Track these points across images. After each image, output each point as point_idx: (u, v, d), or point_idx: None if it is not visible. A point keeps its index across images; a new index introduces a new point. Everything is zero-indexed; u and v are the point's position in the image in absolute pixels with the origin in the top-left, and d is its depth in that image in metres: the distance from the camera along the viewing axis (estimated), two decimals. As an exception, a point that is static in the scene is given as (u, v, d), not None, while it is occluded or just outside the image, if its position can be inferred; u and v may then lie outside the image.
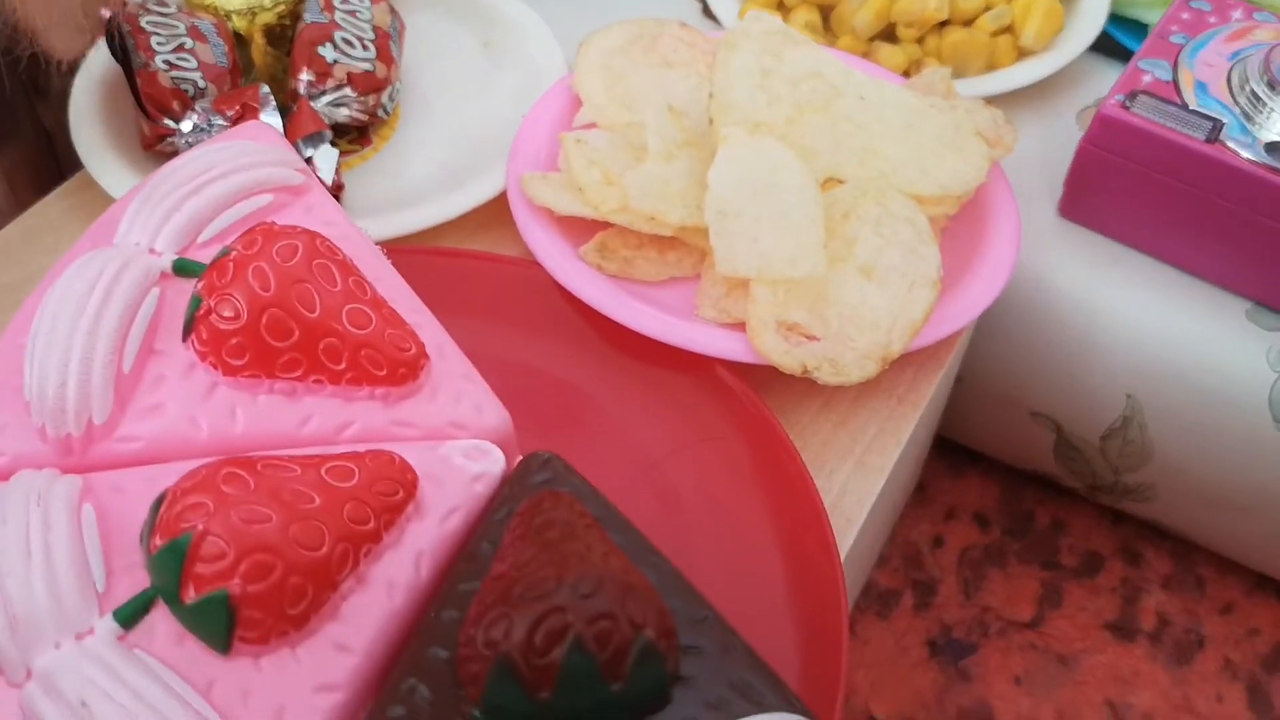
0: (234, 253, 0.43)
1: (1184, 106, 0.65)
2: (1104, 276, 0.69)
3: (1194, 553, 0.78)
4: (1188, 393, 0.67)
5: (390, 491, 0.40)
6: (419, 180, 0.67)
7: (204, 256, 0.46)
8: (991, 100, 0.76)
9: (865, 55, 0.77)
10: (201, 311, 0.43)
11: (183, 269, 0.46)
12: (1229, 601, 0.76)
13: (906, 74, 0.77)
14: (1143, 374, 0.68)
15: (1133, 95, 0.65)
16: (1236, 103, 0.65)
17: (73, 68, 0.72)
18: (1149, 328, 0.67)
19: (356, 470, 0.39)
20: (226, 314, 0.43)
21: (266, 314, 0.42)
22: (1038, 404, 0.73)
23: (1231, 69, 0.66)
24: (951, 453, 0.82)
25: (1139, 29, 0.83)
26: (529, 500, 0.40)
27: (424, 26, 0.76)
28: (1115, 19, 0.83)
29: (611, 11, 0.84)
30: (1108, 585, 0.77)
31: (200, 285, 0.44)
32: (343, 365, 0.44)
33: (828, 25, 0.80)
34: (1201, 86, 0.66)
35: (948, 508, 0.80)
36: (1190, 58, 0.67)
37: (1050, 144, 0.76)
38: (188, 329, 0.44)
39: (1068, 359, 0.70)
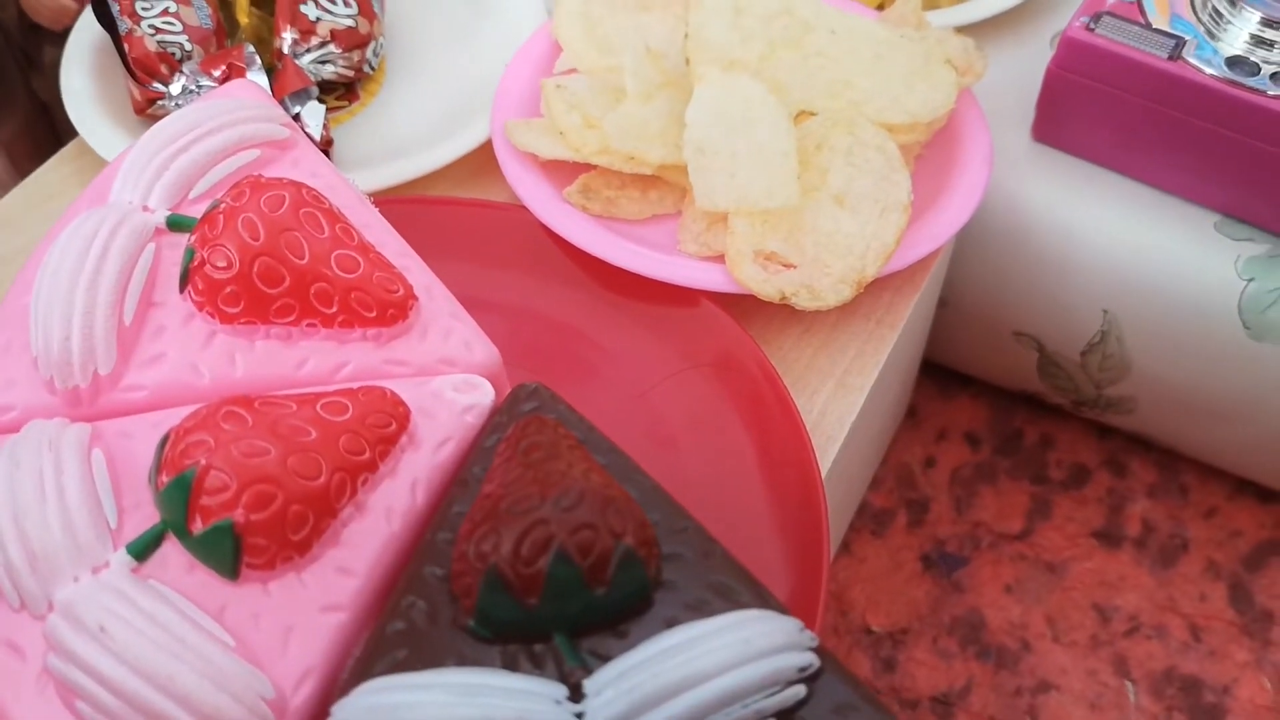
0: (223, 205, 0.46)
1: (1147, 26, 0.66)
2: (1077, 196, 0.70)
3: (1177, 462, 0.80)
4: (1162, 305, 0.69)
5: (383, 424, 0.42)
6: (407, 132, 0.69)
7: (196, 211, 0.48)
8: (966, 29, 0.77)
9: (839, -11, 0.78)
10: (196, 263, 0.45)
11: (176, 224, 0.48)
12: (1212, 506, 0.78)
13: (880, 6, 0.78)
14: (1118, 289, 0.70)
15: (1097, 17, 0.67)
16: (1199, 20, 0.66)
17: (63, 38, 0.74)
18: (1122, 244, 0.69)
19: (350, 405, 0.42)
20: (220, 264, 0.45)
21: (258, 262, 0.44)
22: (1019, 324, 0.75)
23: (1194, -13, 0.68)
24: (942, 376, 0.84)
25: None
26: (516, 425, 0.43)
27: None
28: (1087, -58, 0.84)
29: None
30: (1094, 496, 0.79)
31: (193, 238, 0.46)
32: (334, 309, 0.46)
33: (802, -39, 0.81)
34: (1164, 4, 0.67)
35: (939, 429, 0.82)
36: (1155, -23, 0.69)
37: (1024, 69, 0.77)
38: (184, 280, 0.46)
39: (1045, 279, 0.72)
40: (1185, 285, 0.68)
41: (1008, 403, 0.83)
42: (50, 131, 0.85)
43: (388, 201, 0.61)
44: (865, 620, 0.73)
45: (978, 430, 0.82)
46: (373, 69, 0.70)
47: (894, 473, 0.80)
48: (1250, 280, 0.67)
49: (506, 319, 0.58)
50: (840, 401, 0.58)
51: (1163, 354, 0.71)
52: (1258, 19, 0.64)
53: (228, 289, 0.45)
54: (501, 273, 0.60)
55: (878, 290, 0.61)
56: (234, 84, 0.56)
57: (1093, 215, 0.70)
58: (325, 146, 0.64)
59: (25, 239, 0.64)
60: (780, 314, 0.59)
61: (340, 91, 0.70)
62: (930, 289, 0.66)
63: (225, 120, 0.50)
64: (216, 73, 0.63)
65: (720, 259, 0.59)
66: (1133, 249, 0.69)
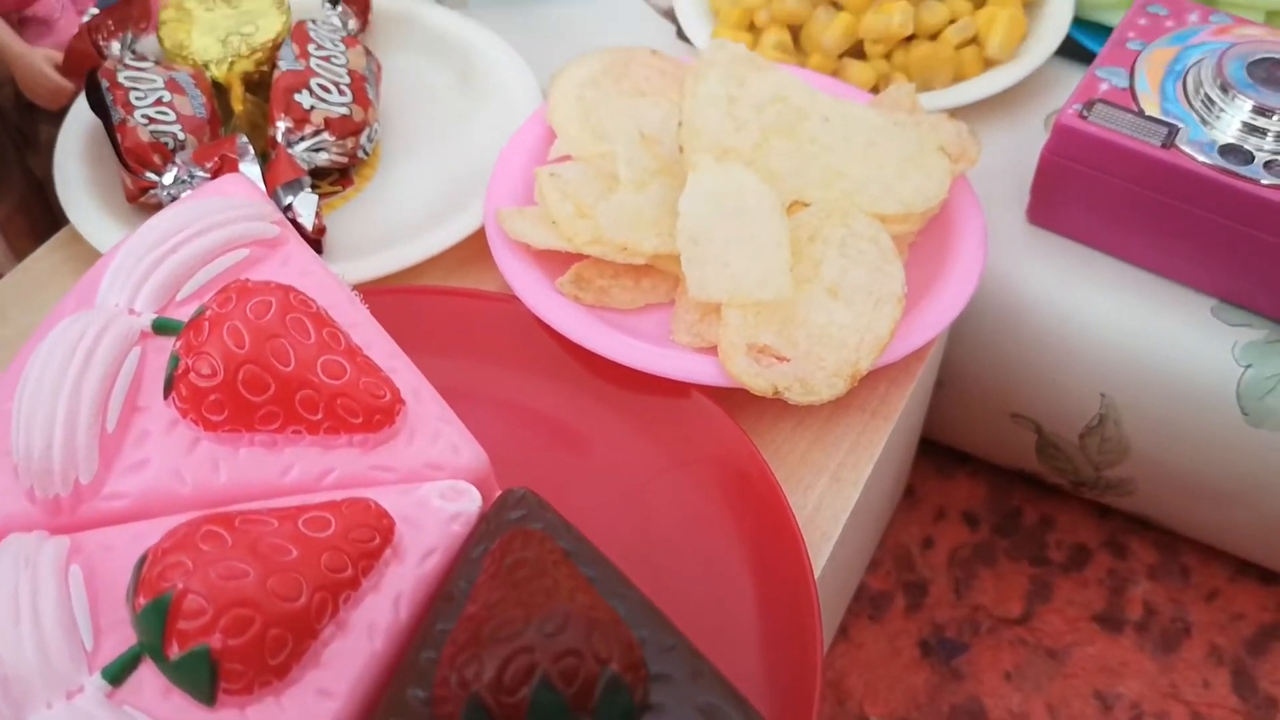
0: (209, 311, 0.45)
1: (1140, 113, 0.66)
2: (1073, 280, 0.70)
3: (1178, 542, 0.79)
4: (1159, 390, 0.68)
5: (367, 538, 0.41)
6: (400, 218, 0.69)
7: (182, 314, 0.48)
8: (960, 110, 0.78)
9: (835, 72, 0.79)
10: (180, 370, 0.45)
11: (162, 327, 0.48)
12: (1213, 589, 0.77)
13: (875, 89, 0.79)
14: (1115, 373, 0.69)
15: (1090, 104, 0.67)
16: (1192, 106, 0.66)
17: (60, 116, 0.74)
18: (1119, 328, 0.69)
19: (333, 520, 0.41)
20: (204, 372, 0.44)
21: (242, 370, 0.44)
22: (1017, 406, 0.75)
23: (1186, 73, 0.68)
24: (939, 454, 0.83)
25: (1103, 32, 0.84)
26: (501, 540, 0.42)
27: (401, 64, 0.78)
28: (1080, 22, 0.84)
29: (587, 38, 0.87)
30: (1095, 578, 0.78)
31: (178, 344, 0.45)
32: (320, 415, 0.45)
33: (798, 44, 0.81)
34: (1158, 92, 0.67)
35: (937, 508, 0.81)
36: (1146, 64, 0.69)
37: (1019, 150, 0.77)
38: (168, 387, 0.45)
39: (1042, 362, 0.71)
40: (1182, 370, 0.67)
41: (1006, 481, 0.82)
42: (46, 210, 0.85)
43: (378, 292, 0.61)
44: (863, 709, 0.72)
45: (976, 509, 0.81)
46: (367, 154, 0.70)
47: (892, 554, 0.79)
48: (1248, 366, 0.66)
49: (495, 413, 0.58)
50: (835, 496, 0.57)
51: (1161, 438, 0.71)
52: (1250, 107, 0.64)
53: (212, 397, 0.44)
54: (491, 365, 0.60)
55: (872, 381, 0.60)
56: (226, 179, 0.56)
57: (1089, 298, 0.69)
58: (318, 235, 0.64)
59: (13, 330, 0.64)
60: (774, 406, 0.58)
61: (335, 176, 0.70)
62: (925, 377, 0.66)
63: (214, 220, 0.50)
64: (209, 165, 0.63)
65: (713, 350, 0.59)
66: (1129, 333, 0.68)
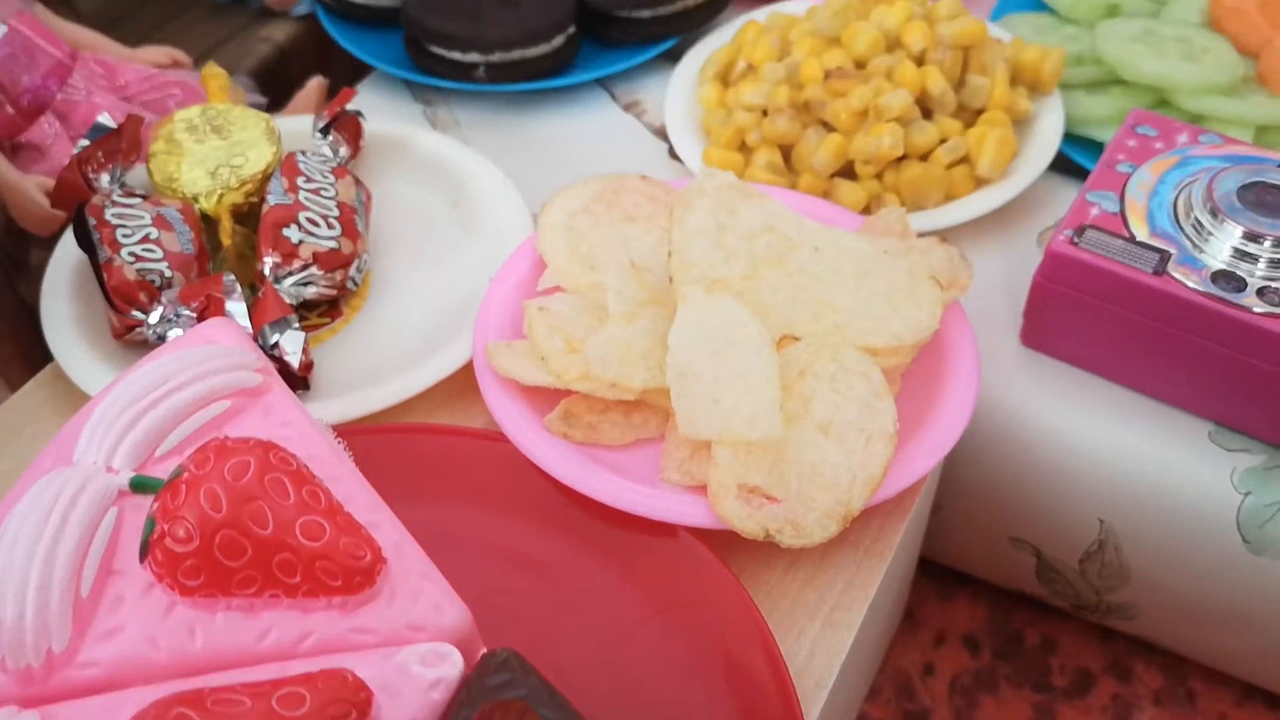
0: (186, 473, 0.44)
1: (1131, 239, 0.66)
2: (1068, 403, 0.69)
3: (1184, 665, 0.78)
4: (1158, 516, 0.67)
5: (343, 714, 0.40)
6: (389, 350, 0.68)
7: (161, 470, 0.47)
8: (952, 230, 0.78)
9: (826, 193, 0.79)
10: (155, 535, 0.44)
11: (140, 485, 0.47)
12: (1220, 714, 0.75)
13: (867, 209, 0.79)
14: (1113, 499, 0.68)
15: (1080, 230, 0.67)
16: (1183, 231, 0.66)
17: (51, 242, 0.74)
18: (1115, 453, 0.68)
19: (308, 696, 0.40)
20: (180, 536, 0.43)
21: (219, 535, 0.43)
22: (1015, 530, 0.74)
23: (1177, 196, 0.67)
24: (939, 575, 0.82)
25: (1094, 147, 0.85)
26: (480, 712, 0.41)
27: (392, 192, 0.78)
28: (1070, 138, 0.84)
29: (581, 156, 0.87)
30: (1099, 704, 0.76)
31: (154, 507, 0.45)
32: (298, 579, 0.44)
33: (789, 164, 0.81)
34: (1148, 216, 0.67)
35: (937, 632, 0.80)
36: (1136, 187, 0.69)
37: (1012, 268, 0.77)
38: (144, 552, 0.45)
39: (1039, 486, 0.70)
40: (1181, 497, 0.67)
41: (1008, 602, 0.81)
42: (36, 336, 0.84)
43: (362, 432, 0.60)
44: None
45: (977, 633, 0.80)
46: (356, 285, 0.69)
47: (892, 680, 0.78)
48: (1247, 494, 0.65)
49: (481, 557, 0.57)
50: (829, 641, 0.56)
51: (1162, 564, 0.69)
52: (1240, 233, 0.64)
53: (188, 562, 0.44)
54: (478, 506, 0.59)
55: (865, 517, 0.59)
56: (211, 324, 0.56)
57: (1085, 423, 0.69)
58: (304, 373, 0.63)
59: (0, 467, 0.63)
60: (765, 546, 0.57)
61: (324, 308, 0.70)
62: (921, 509, 0.65)
63: (195, 373, 0.50)
64: (195, 304, 0.63)
65: (703, 489, 0.58)
66: (1126, 458, 0.68)
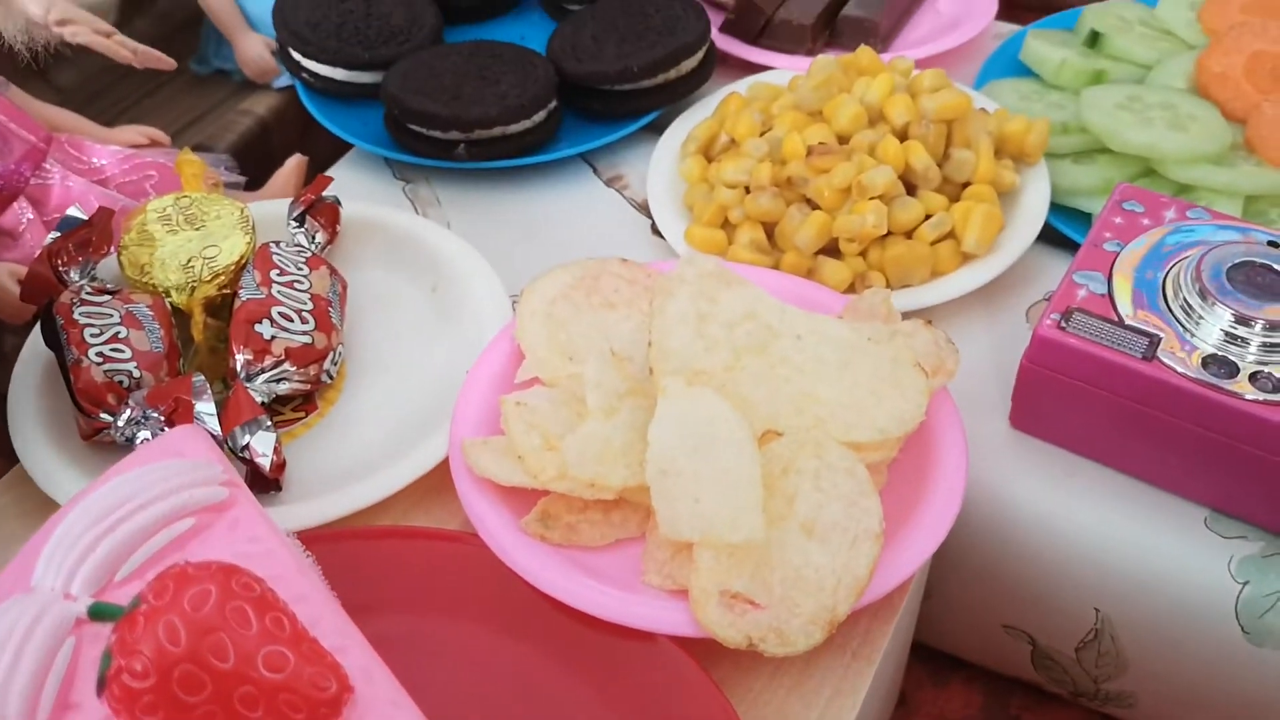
0: (144, 604, 0.43)
1: (1120, 323, 0.65)
2: (1060, 489, 0.68)
3: (1186, 751, 0.75)
4: (1155, 606, 0.66)
5: None
6: (365, 445, 0.67)
7: (122, 596, 0.46)
8: (938, 307, 0.76)
9: (810, 271, 0.78)
10: (112, 671, 0.42)
11: (98, 613, 0.45)
12: (1224, 804, 0.73)
13: (852, 287, 0.78)
14: (1108, 587, 0.67)
15: (1068, 313, 0.65)
16: (1172, 313, 0.65)
17: (25, 328, 0.73)
18: (1110, 540, 0.66)
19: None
20: (137, 671, 0.42)
21: (178, 670, 0.42)
22: (1009, 618, 0.72)
23: (1165, 277, 0.66)
24: (932, 659, 0.80)
25: (1082, 218, 0.84)
26: None
27: (370, 277, 0.77)
28: (1057, 207, 0.83)
29: (563, 231, 0.86)
30: (1100, 792, 0.74)
31: (112, 640, 0.43)
32: (260, 712, 0.43)
33: (773, 241, 0.80)
34: (1137, 298, 0.66)
35: (932, 719, 0.78)
36: (1124, 267, 0.67)
37: (1000, 345, 0.76)
38: (101, 686, 0.43)
39: (1031, 574, 0.69)
40: (1178, 586, 0.65)
41: (1003, 687, 0.79)
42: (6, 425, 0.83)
43: (333, 538, 0.59)
44: None
45: (972, 719, 0.78)
46: (332, 378, 0.68)
47: (887, 770, 0.76)
48: (1245, 583, 0.64)
49: (455, 670, 0.56)
50: (816, 751, 0.54)
51: (1160, 654, 0.68)
52: (1230, 316, 0.63)
53: (145, 698, 0.42)
54: (451, 614, 0.58)
55: (853, 618, 0.57)
56: (177, 433, 0.54)
57: (1077, 508, 0.67)
58: (276, 475, 0.62)
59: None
60: (749, 651, 0.56)
61: (298, 402, 0.69)
62: (910, 605, 0.63)
63: (158, 492, 0.49)
64: (163, 407, 0.61)
65: (684, 593, 0.56)
66: (1120, 546, 0.66)
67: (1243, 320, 0.63)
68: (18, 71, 0.93)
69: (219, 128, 1.11)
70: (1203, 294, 0.64)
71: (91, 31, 0.67)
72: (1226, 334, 0.63)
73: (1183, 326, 0.64)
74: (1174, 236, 0.69)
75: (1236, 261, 0.65)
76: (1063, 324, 0.65)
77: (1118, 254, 0.68)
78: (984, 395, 0.73)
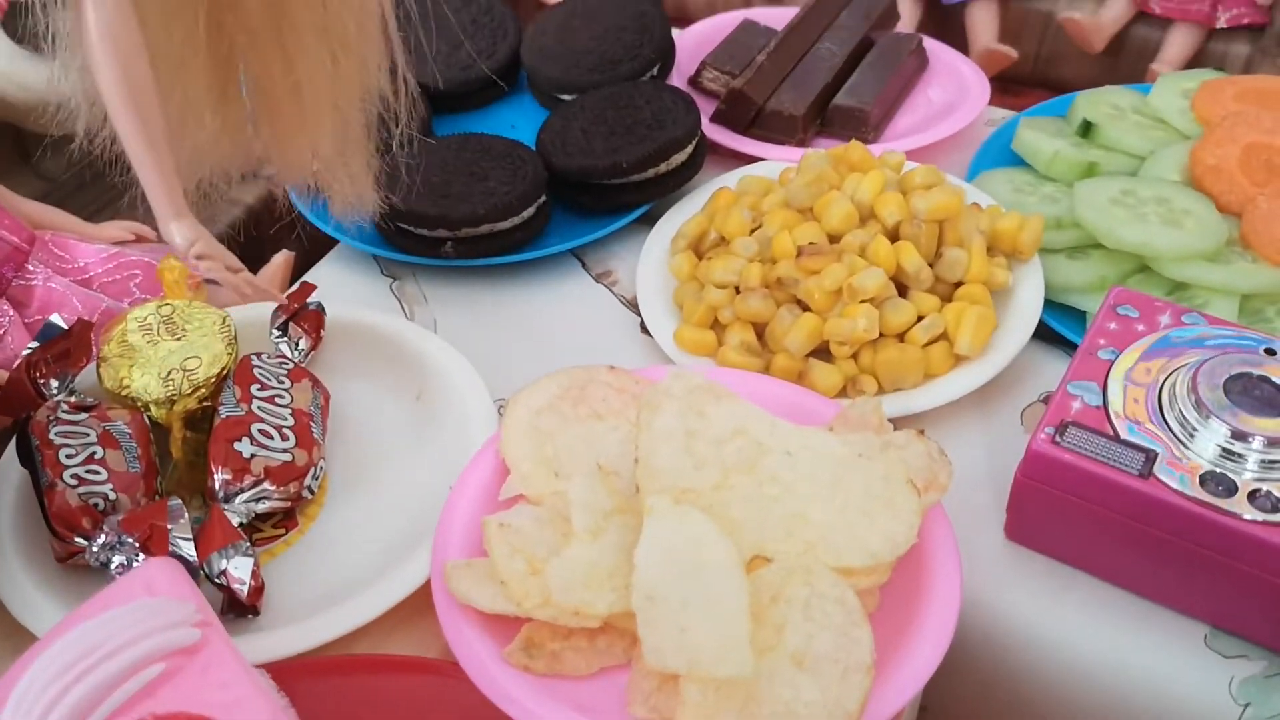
0: (107, 771, 0.42)
1: (1115, 437, 0.63)
2: (1057, 604, 0.66)
3: None
4: (1156, 727, 0.64)
5: None
6: (346, 564, 0.66)
7: (87, 753, 0.44)
8: (930, 412, 0.75)
9: (801, 375, 0.76)
10: (72, 844, 0.41)
11: (62, 774, 0.44)
12: None
13: (844, 390, 0.76)
14: (1106, 708, 0.65)
15: (1062, 427, 0.64)
16: (1167, 424, 0.63)
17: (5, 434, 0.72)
18: (1108, 659, 0.65)
19: None
20: (98, 844, 0.40)
21: (139, 843, 0.40)
22: (1006, 733, 0.70)
23: (1161, 388, 0.65)
24: (930, 768, 0.78)
25: (1076, 315, 0.83)
26: None
27: (354, 388, 0.76)
28: (1052, 305, 0.82)
29: (552, 329, 0.85)
30: None
31: (73, 808, 0.42)
32: None
33: (763, 341, 0.79)
34: (1131, 410, 0.64)
35: (930, 832, 0.76)
36: (1119, 377, 0.66)
37: (995, 449, 0.75)
38: None
39: (1027, 693, 0.67)
40: (1177, 708, 0.63)
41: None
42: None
43: (310, 671, 0.57)
44: None
45: (973, 834, 0.76)
46: (313, 494, 0.67)
47: None
48: (1246, 705, 0.62)
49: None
50: None
51: (1162, 774, 0.66)
52: (1226, 432, 0.61)
53: None
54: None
55: (845, 751, 0.56)
56: (150, 567, 0.53)
57: (1074, 624, 0.66)
58: (254, 600, 0.60)
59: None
60: (738, 788, 0.54)
61: (278, 518, 0.67)
62: (904, 732, 0.61)
63: (127, 638, 0.47)
64: (137, 534, 0.60)
65: (672, 726, 0.55)
66: (1118, 664, 0.65)
67: (1239, 436, 0.61)
68: (4, 162, 0.92)
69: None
70: (1199, 407, 0.63)
71: (224, 268, 0.69)
72: (1223, 449, 0.62)
73: (1179, 440, 0.63)
74: (1169, 344, 0.68)
75: (1233, 373, 0.64)
76: (1057, 438, 0.64)
77: (1112, 362, 0.67)
78: (979, 503, 0.71)
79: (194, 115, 0.74)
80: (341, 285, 0.89)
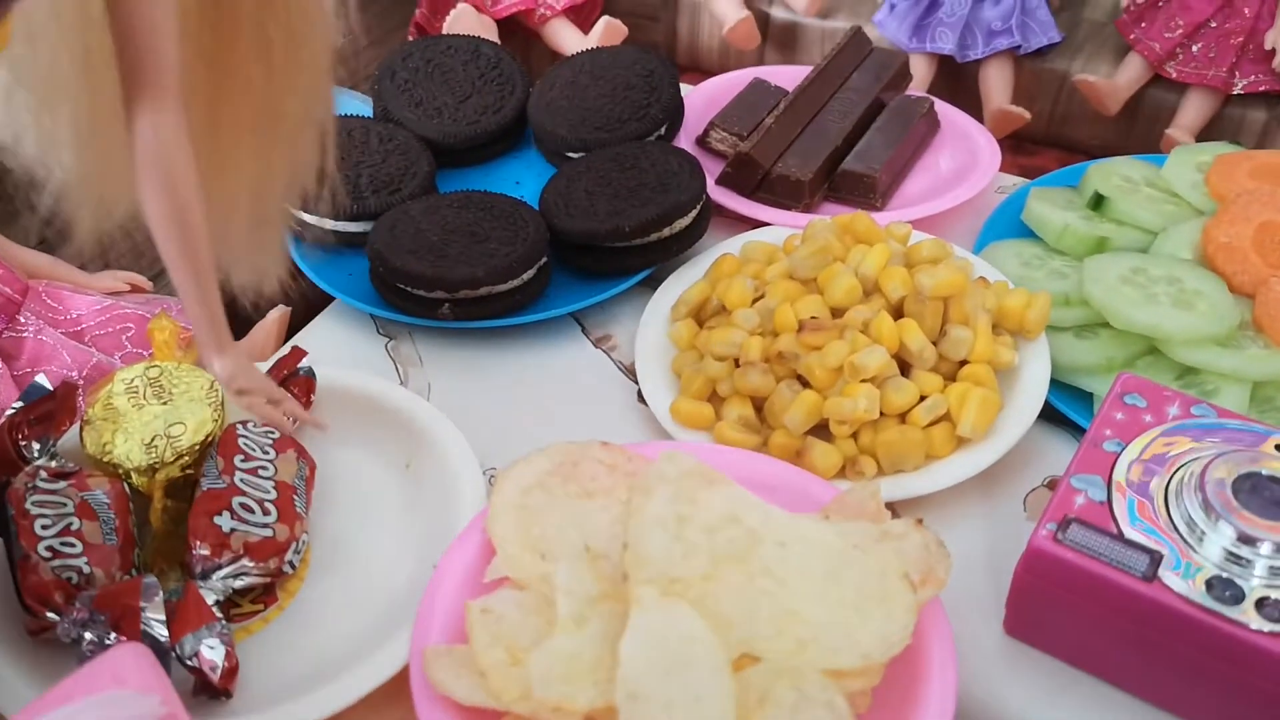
0: None
1: (1119, 536, 0.61)
2: (1057, 706, 0.64)
3: None
4: (1156, 838, 0.62)
5: None
6: (324, 644, 0.64)
7: None
8: (930, 497, 0.74)
9: (799, 453, 0.75)
10: None
11: None
12: None
13: (843, 470, 0.75)
14: (1107, 817, 0.63)
15: (1065, 524, 0.62)
16: (1173, 524, 0.62)
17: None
18: (1108, 765, 0.63)
19: None
20: None
21: None
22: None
23: (1168, 485, 0.63)
24: None
25: (1083, 397, 0.81)
26: None
27: (341, 456, 0.74)
28: (1058, 384, 0.81)
29: (548, 396, 0.84)
30: None
31: None
32: None
33: (762, 415, 0.78)
34: (1135, 508, 0.63)
35: None
36: (1125, 471, 0.64)
37: (996, 536, 0.73)
38: None
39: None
40: (1182, 820, 0.61)
41: None
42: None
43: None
44: None
45: None
46: (294, 568, 0.65)
47: None
48: (1250, 818, 0.60)
49: None
50: None
51: None
52: (1233, 535, 0.60)
53: None
54: None
55: None
56: (117, 655, 0.51)
57: (1075, 727, 0.64)
58: (226, 684, 0.59)
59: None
60: None
61: (257, 592, 0.66)
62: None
63: (85, 736, 0.45)
64: (109, 614, 0.58)
65: (652, 833, 0.53)
66: (1120, 772, 0.63)
67: (1247, 540, 0.59)
68: (9, 203, 0.91)
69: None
70: (1206, 507, 0.61)
71: (265, 403, 0.67)
72: (1230, 553, 0.60)
73: (1185, 541, 0.61)
74: (1177, 437, 0.66)
75: (1243, 472, 0.62)
76: (1059, 535, 0.62)
77: (1118, 455, 0.66)
78: (978, 594, 0.70)
79: None
80: (336, 344, 0.87)
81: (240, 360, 0.67)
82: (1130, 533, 0.62)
